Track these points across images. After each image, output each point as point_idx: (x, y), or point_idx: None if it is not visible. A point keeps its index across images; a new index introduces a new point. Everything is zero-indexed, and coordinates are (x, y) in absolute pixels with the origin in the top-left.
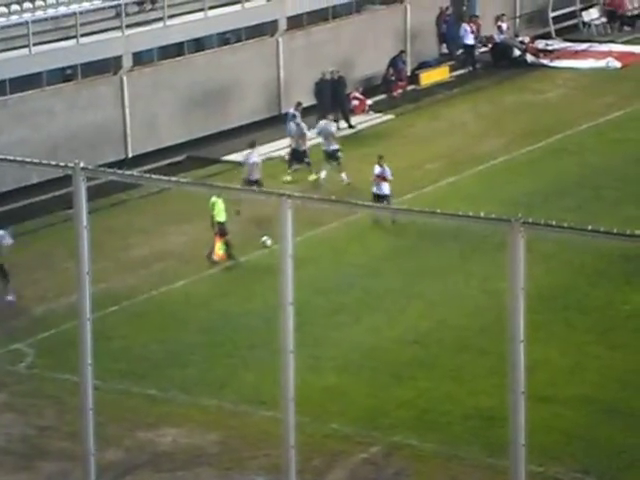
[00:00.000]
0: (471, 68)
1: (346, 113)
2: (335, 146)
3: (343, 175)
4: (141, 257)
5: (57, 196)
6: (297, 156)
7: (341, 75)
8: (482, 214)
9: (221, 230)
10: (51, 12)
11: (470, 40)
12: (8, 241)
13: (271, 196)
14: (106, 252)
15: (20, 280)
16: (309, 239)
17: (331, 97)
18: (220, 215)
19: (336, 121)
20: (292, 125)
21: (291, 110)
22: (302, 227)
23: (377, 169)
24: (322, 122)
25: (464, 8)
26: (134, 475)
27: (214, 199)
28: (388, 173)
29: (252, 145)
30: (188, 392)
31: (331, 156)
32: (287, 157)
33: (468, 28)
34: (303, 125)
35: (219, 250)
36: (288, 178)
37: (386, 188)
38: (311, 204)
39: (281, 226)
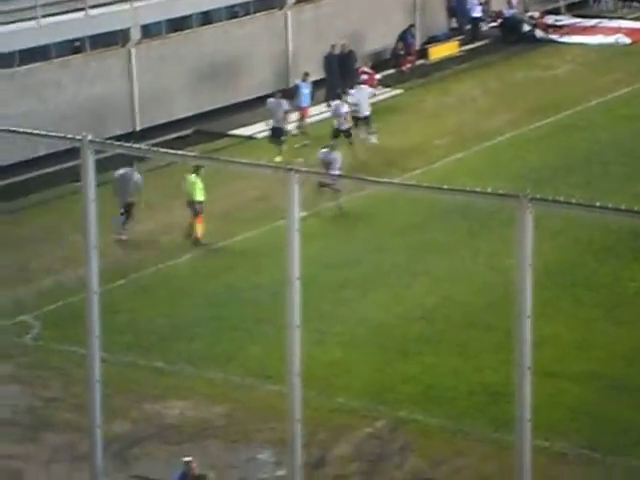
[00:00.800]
0: (478, 43)
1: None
2: (367, 112)
3: (373, 138)
4: (148, 231)
5: (64, 169)
6: (275, 133)
7: (351, 49)
8: (490, 190)
9: (200, 209)
10: None
11: (477, 12)
12: (137, 177)
13: (278, 170)
14: (114, 225)
15: (27, 252)
16: (317, 214)
17: (340, 71)
18: (200, 194)
19: (345, 94)
20: (271, 101)
21: (298, 81)
22: (311, 202)
23: (321, 154)
24: (354, 89)
25: None
26: (141, 447)
27: (193, 179)
28: (338, 162)
29: (339, 96)
30: (194, 365)
31: (365, 121)
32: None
33: (475, 1)
34: (283, 102)
35: (201, 230)
36: (278, 159)
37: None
38: (318, 179)
39: (288, 201)
